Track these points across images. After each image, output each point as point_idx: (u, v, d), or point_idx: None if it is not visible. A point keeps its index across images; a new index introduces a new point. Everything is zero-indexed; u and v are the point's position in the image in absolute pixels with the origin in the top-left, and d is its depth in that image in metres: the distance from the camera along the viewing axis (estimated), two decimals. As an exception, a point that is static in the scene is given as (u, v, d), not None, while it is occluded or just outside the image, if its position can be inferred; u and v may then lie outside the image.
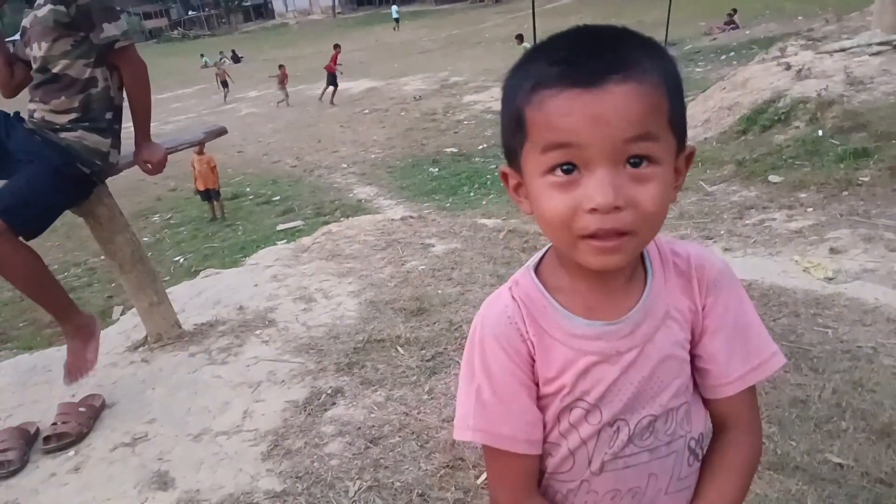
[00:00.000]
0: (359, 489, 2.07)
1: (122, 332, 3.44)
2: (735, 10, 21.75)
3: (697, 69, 16.53)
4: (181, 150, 3.03)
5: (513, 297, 0.90)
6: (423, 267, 3.74)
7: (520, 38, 18.11)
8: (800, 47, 9.37)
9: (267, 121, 18.58)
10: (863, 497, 2.06)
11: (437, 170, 11.41)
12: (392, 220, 4.67)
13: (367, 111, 17.73)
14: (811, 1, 22.62)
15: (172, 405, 2.68)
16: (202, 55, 36.97)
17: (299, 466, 2.20)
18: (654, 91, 0.76)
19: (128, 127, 2.83)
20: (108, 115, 2.73)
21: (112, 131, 2.76)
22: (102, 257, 3.55)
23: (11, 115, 2.70)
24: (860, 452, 2.25)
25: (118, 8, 2.71)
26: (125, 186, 10.83)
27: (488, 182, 9.98)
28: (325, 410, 2.49)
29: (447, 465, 2.13)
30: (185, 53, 43.72)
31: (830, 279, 4.23)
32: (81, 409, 2.61)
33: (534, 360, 0.88)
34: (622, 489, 0.92)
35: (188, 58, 39.84)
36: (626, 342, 0.88)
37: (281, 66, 21.43)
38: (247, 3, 71.34)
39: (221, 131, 3.25)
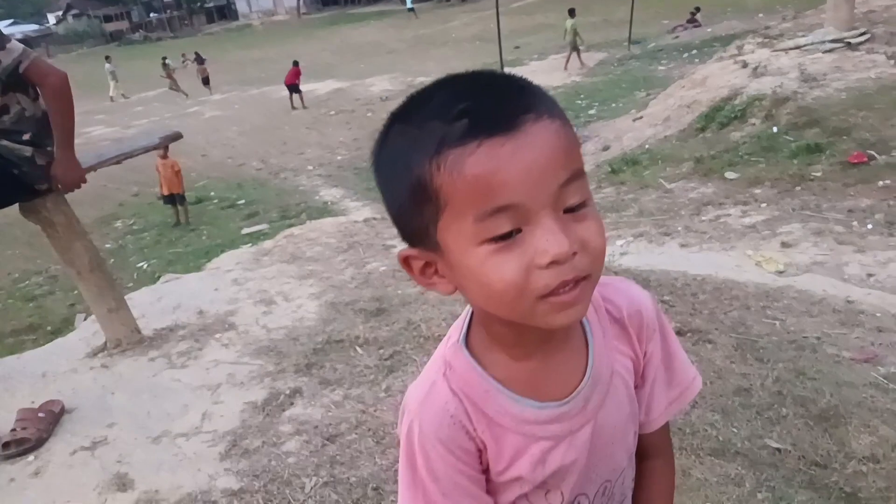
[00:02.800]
0: (315, 485, 2.12)
1: (81, 339, 3.44)
2: (698, 9, 22.12)
3: (661, 67, 16.77)
4: (137, 155, 3.04)
5: (451, 389, 0.81)
6: (384, 268, 3.79)
7: (572, 12, 18.24)
8: (757, 45, 9.59)
9: (232, 123, 18.44)
10: (798, 479, 2.16)
11: (403, 170, 11.47)
12: (354, 222, 4.72)
13: (333, 112, 17.73)
14: (772, -2, 23.13)
15: (132, 409, 2.70)
16: (164, 58, 36.47)
17: (257, 465, 2.24)
18: (565, 127, 0.70)
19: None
20: (26, 136, 2.69)
21: (35, 144, 2.71)
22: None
23: None
24: (798, 437, 2.35)
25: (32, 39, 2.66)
26: (87, 193, 10.70)
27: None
28: (284, 410, 2.53)
29: (402, 460, 2.19)
30: (148, 56, 43.01)
31: (781, 272, 4.37)
32: (41, 414, 2.62)
33: (481, 452, 0.82)
34: None
35: (150, 61, 39.20)
36: (580, 419, 0.83)
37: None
38: (209, 5, 70.55)
39: (177, 136, 3.26)
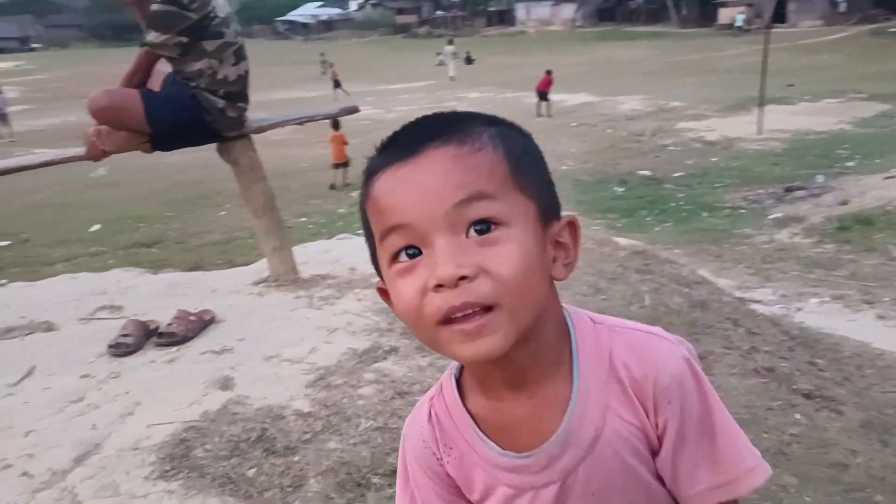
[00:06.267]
0: (368, 427, 2.34)
1: (255, 270, 3.99)
2: None
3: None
4: (318, 120, 3.47)
5: (429, 415, 0.85)
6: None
7: None
8: None
9: (477, 121, 19.32)
10: None
11: (622, 189, 11.29)
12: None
13: (574, 124, 17.85)
14: None
15: (262, 331, 3.12)
16: (438, 53, 38.96)
17: (330, 398, 2.51)
18: (479, 151, 0.70)
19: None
20: (222, 92, 3.19)
21: (228, 98, 3.22)
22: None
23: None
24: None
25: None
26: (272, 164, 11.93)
27: (669, 209, 9.75)
28: (375, 361, 2.78)
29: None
30: (425, 49, 46.17)
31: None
32: (192, 318, 3.13)
33: (451, 478, 0.85)
34: None
35: (426, 53, 42.14)
36: (543, 477, 0.79)
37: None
38: (491, 9, 73.91)
39: (353, 109, 3.64)
